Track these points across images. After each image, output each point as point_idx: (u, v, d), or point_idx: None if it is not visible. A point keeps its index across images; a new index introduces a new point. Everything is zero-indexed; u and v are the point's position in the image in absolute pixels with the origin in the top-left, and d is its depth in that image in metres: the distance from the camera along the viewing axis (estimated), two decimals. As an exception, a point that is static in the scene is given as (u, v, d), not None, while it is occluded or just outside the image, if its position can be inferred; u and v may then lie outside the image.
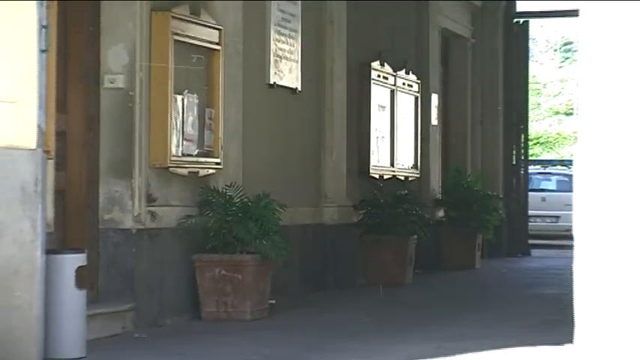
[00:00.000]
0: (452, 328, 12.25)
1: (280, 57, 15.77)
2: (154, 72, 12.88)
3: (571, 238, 7.12)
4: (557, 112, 41.67)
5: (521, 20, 26.28)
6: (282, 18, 15.80)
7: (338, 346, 10.82)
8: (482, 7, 24.62)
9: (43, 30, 8.87)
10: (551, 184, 27.45)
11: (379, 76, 20.28)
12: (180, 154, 13.30)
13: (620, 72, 7.14)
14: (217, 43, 14.00)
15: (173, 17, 13.09)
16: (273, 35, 15.58)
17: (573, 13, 8.08)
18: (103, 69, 12.46)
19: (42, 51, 8.89)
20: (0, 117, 8.42)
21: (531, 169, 28.70)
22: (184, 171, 13.43)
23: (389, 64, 20.62)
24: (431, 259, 19.87)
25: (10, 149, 8.40)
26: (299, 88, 16.39)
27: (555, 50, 43.18)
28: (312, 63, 16.66)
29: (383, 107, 20.66)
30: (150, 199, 12.77)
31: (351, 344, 10.82)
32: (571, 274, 7.07)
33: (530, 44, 28.57)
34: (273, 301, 13.60)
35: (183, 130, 13.39)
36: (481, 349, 10.89)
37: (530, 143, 28.91)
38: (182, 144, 13.35)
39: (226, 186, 13.80)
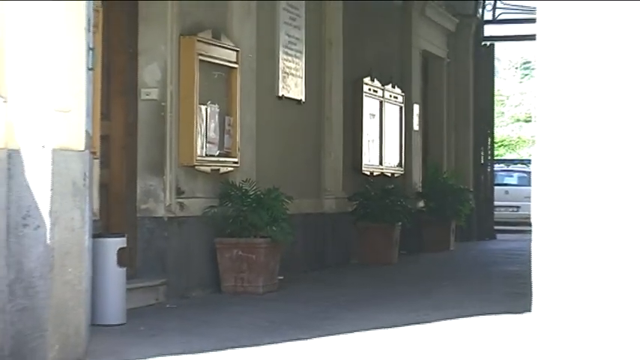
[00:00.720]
0: (430, 300, 12.28)
1: (287, 74, 15.81)
2: (182, 86, 13.00)
3: (529, 224, 7.34)
4: (518, 120, 41.79)
5: (488, 43, 26.22)
6: (289, 41, 15.81)
7: (333, 315, 10.87)
8: (456, 32, 24.58)
9: (90, 52, 8.90)
10: (512, 180, 27.50)
11: (369, 89, 20.28)
12: (204, 155, 13.44)
13: (569, 87, 7.21)
14: (235, 62, 14.05)
15: (198, 40, 13.20)
16: (281, 55, 15.62)
17: (531, 37, 8.10)
18: (140, 84, 12.57)
19: (89, 69, 8.92)
20: (55, 124, 8.27)
21: (496, 167, 28.66)
22: (207, 169, 13.55)
23: (378, 79, 20.64)
24: (413, 242, 19.84)
25: (63, 151, 8.26)
26: (303, 100, 16.43)
27: (516, 68, 43.24)
28: (313, 78, 16.65)
29: (373, 115, 20.70)
30: (179, 192, 12.92)
31: (345, 314, 10.84)
32: (529, 254, 7.22)
33: (496, 63, 28.42)
34: (282, 277, 13.70)
35: (206, 134, 13.50)
36: (454, 317, 10.97)
37: (495, 145, 28.83)
38: (206, 146, 13.48)
39: (242, 181, 13.92)
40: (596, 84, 7.14)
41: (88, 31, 8.72)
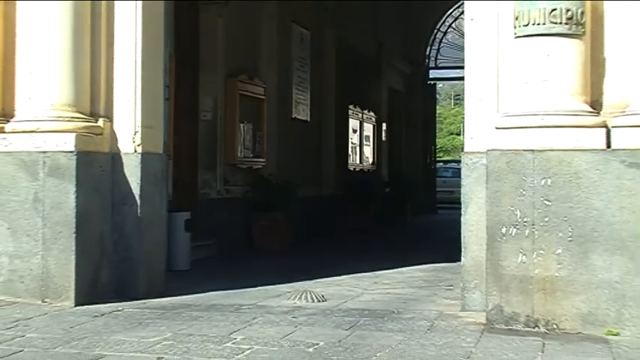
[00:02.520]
0: (391, 256, 12.19)
1: (298, 102, 15.86)
2: (228, 111, 13.06)
3: (459, 203, 7.44)
4: (452, 133, 42.43)
5: (432, 82, 26.28)
6: (299, 81, 15.83)
7: (324, 266, 10.79)
8: (410, 74, 24.56)
9: (166, 87, 8.96)
10: (448, 174, 27.71)
11: (352, 112, 20.31)
12: (242, 156, 13.52)
13: (483, 112, 7.24)
14: (263, 95, 14.11)
15: (239, 81, 13.29)
16: (294, 90, 15.69)
17: (460, 78, 8.16)
18: (200, 109, 12.58)
19: (165, 99, 8.99)
20: (144, 136, 8.25)
21: (437, 165, 28.84)
22: (244, 166, 13.62)
23: (358, 106, 20.61)
24: (382, 217, 19.84)
25: (148, 154, 8.26)
26: (308, 120, 16.46)
27: (450, 98, 43.74)
28: (315, 105, 16.67)
29: (355, 130, 20.81)
30: (225, 181, 13.05)
31: (333, 267, 10.69)
32: (459, 223, 7.31)
33: (437, 95, 28.62)
34: (293, 240, 13.67)
35: (243, 143, 13.62)
36: (409, 265, 10.95)
37: (436, 151, 29.04)
38: (243, 151, 13.58)
39: (268, 174, 13.92)
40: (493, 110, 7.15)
41: (165, 72, 8.79)
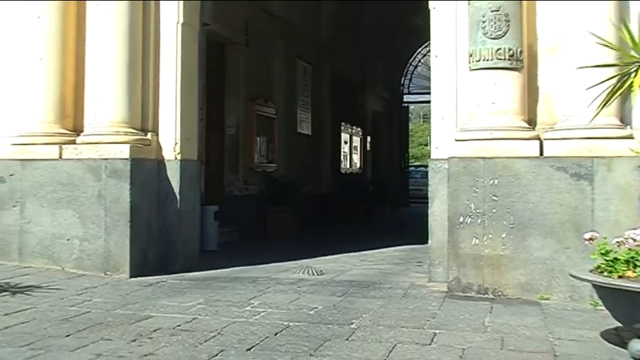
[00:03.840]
0: (374, 240, 12.01)
1: (302, 120, 15.70)
2: (247, 127, 12.95)
3: (427, 198, 7.38)
4: (421, 144, 41.82)
5: (405, 105, 26.24)
6: (302, 103, 15.74)
7: (322, 247, 10.65)
8: (388, 98, 24.45)
9: (200, 109, 8.94)
10: (418, 175, 27.17)
11: (344, 128, 20.08)
12: (258, 162, 13.38)
13: (444, 130, 7.24)
14: (274, 114, 13.96)
15: (256, 104, 13.20)
16: (298, 110, 15.54)
17: (427, 101, 8.11)
18: (226, 125, 12.49)
19: (200, 119, 8.97)
20: (182, 146, 8.21)
21: (410, 169, 28.67)
22: (260, 170, 13.44)
23: (349, 123, 20.43)
24: (367, 210, 19.75)
25: (186, 160, 8.24)
26: (309, 134, 16.33)
27: (420, 117, 43.19)
28: (315, 122, 16.55)
29: (346, 142, 20.58)
30: (245, 182, 12.89)
31: (329, 248, 10.56)
32: (427, 214, 7.30)
33: (409, 114, 28.45)
34: (297, 227, 13.54)
35: (259, 151, 13.43)
36: (388, 246, 10.94)
37: (409, 158, 28.96)
38: (259, 158, 13.42)
39: (279, 176, 13.78)
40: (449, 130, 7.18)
41: (198, 97, 8.74)
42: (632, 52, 4.90)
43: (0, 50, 8.76)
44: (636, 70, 4.84)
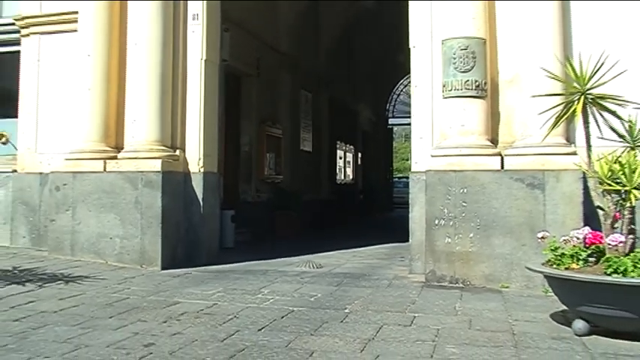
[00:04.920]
0: (364, 239, 11.85)
1: (304, 139, 15.53)
2: (259, 145, 12.86)
3: (408, 204, 7.30)
4: (403, 159, 40.95)
5: (390, 126, 26.13)
6: (304, 126, 15.63)
7: (321, 245, 10.48)
8: (376, 121, 24.31)
9: (219, 131, 8.95)
10: (401, 185, 26.75)
11: (339, 146, 20.01)
12: (268, 174, 13.21)
13: (419, 149, 7.24)
14: (281, 135, 13.83)
15: (266, 126, 13.12)
16: (301, 131, 15.41)
17: (408, 124, 8.11)
18: (241, 143, 12.40)
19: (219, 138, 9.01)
20: (203, 161, 8.19)
21: (394, 180, 28.50)
22: (269, 180, 13.27)
23: (343, 141, 20.38)
24: (358, 214, 19.72)
25: (208, 173, 8.22)
26: (310, 150, 16.21)
27: (402, 136, 42.50)
28: (315, 141, 16.43)
29: (341, 157, 20.49)
30: (257, 190, 12.75)
31: (326, 245, 10.46)
32: (408, 217, 7.25)
33: (393, 135, 28.35)
34: (300, 229, 13.43)
35: (269, 165, 13.29)
36: (375, 244, 10.87)
37: (393, 171, 28.93)
38: (268, 170, 13.27)
39: (285, 186, 13.71)
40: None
41: (218, 120, 8.73)
42: (575, 84, 4.95)
43: (57, 82, 8.85)
44: (578, 99, 4.89)
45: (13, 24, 9.16)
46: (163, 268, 7.55)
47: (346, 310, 5.31)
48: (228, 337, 4.43)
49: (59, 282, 6.40)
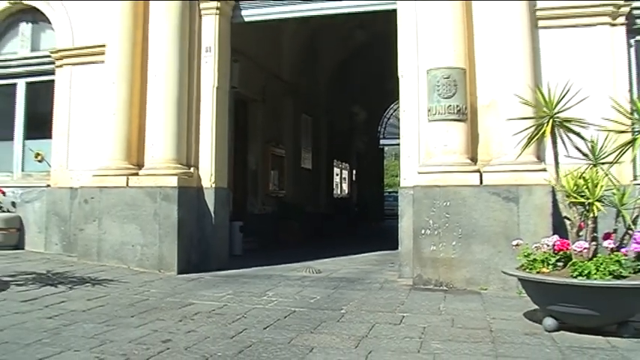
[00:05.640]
0: (358, 247, 11.76)
1: (304, 158, 15.43)
2: (264, 164, 12.85)
3: (397, 216, 7.27)
4: (393, 175, 40.78)
5: (381, 147, 25.96)
6: (305, 145, 15.59)
7: (320, 252, 10.46)
8: (369, 142, 24.23)
9: (229, 150, 8.91)
10: (391, 199, 26.27)
11: (336, 164, 19.98)
12: (272, 189, 13.21)
13: (406, 168, 7.26)
14: (284, 154, 13.85)
15: (271, 146, 13.13)
16: (302, 151, 15.26)
17: (398, 145, 7.98)
18: (248, 162, 12.35)
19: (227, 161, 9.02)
20: (215, 177, 8.17)
21: (385, 194, 28.41)
22: (274, 195, 13.26)
23: (339, 160, 20.38)
24: (353, 224, 19.66)
25: (219, 188, 8.20)
26: (311, 168, 16.18)
27: (392, 155, 42.14)
28: (314, 159, 16.41)
29: (337, 174, 20.52)
30: (263, 204, 12.72)
31: (324, 253, 10.45)
32: (397, 228, 7.20)
33: (384, 154, 28.19)
34: (302, 238, 13.38)
35: (273, 181, 13.28)
36: (368, 251, 10.79)
37: (384, 186, 28.85)
38: (273, 186, 13.26)
39: (287, 200, 13.69)
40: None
41: (228, 141, 8.66)
42: (544, 109, 5.00)
43: (86, 107, 8.89)
44: (547, 122, 4.94)
45: (49, 56, 9.23)
46: (179, 272, 7.52)
47: (342, 311, 5.29)
48: (237, 335, 4.43)
49: (87, 284, 6.42)
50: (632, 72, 6.87)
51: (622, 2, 6.81)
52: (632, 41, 6.95)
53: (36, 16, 9.52)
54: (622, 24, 6.81)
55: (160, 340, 4.30)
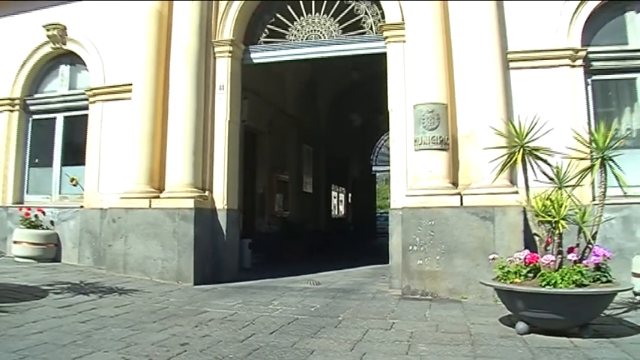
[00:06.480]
0: (353, 261, 11.65)
1: (306, 183, 15.36)
2: (270, 188, 12.76)
3: (388, 234, 7.22)
4: (384, 198, 39.80)
5: (374, 173, 25.73)
6: (306, 172, 15.49)
7: (320, 266, 10.34)
8: (363, 169, 23.96)
9: (239, 176, 8.95)
10: (382, 219, 25.93)
11: (334, 188, 19.79)
12: (277, 211, 13.06)
13: (397, 189, 7.24)
14: (288, 180, 13.76)
15: (276, 173, 13.07)
16: (304, 177, 15.18)
17: (388, 171, 7.93)
18: (256, 186, 12.22)
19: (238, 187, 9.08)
20: (228, 199, 8.10)
21: (377, 215, 28.17)
22: (279, 215, 13.11)
23: (337, 184, 20.29)
24: (348, 242, 19.49)
25: (230, 209, 8.16)
26: (311, 192, 16.03)
27: (384, 180, 41.41)
28: (315, 184, 16.29)
29: (335, 197, 20.44)
30: (269, 223, 12.59)
31: (324, 267, 10.33)
32: (388, 244, 7.18)
33: (376, 179, 27.90)
34: (304, 254, 13.22)
35: (278, 203, 13.18)
36: (362, 265, 10.69)
37: (376, 207, 28.67)
38: (278, 207, 13.14)
39: (291, 219, 13.58)
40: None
41: (239, 168, 8.67)
42: (516, 139, 5.08)
43: (114, 138, 8.90)
44: (518, 150, 5.02)
45: (83, 94, 9.33)
46: (195, 284, 7.48)
47: (339, 318, 5.28)
48: (246, 339, 4.42)
49: (115, 293, 6.42)
50: (590, 107, 6.96)
51: (579, 47, 6.95)
52: (589, 80, 7.07)
53: (73, 59, 9.66)
54: (580, 65, 6.93)
55: (178, 343, 4.30)
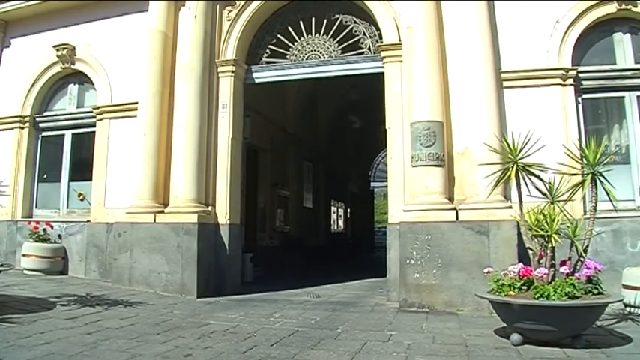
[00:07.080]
0: (352, 275, 11.54)
1: (306, 198, 15.37)
2: (271, 202, 12.77)
3: (386, 248, 7.20)
4: (382, 213, 39.87)
5: (372, 188, 25.73)
6: (306, 188, 15.55)
7: (320, 279, 10.26)
8: (361, 185, 23.97)
9: (242, 192, 8.87)
10: (380, 233, 25.94)
11: (333, 203, 19.78)
12: (278, 225, 13.11)
13: (394, 204, 7.24)
14: (289, 195, 13.77)
15: (277, 188, 13.08)
16: (304, 192, 15.24)
17: (386, 186, 7.86)
18: (258, 202, 12.27)
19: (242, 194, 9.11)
20: (232, 216, 8.13)
21: (375, 229, 28.14)
22: (280, 230, 13.13)
23: (336, 200, 20.30)
24: (348, 255, 19.47)
25: (232, 224, 8.11)
26: (311, 207, 16.07)
27: (382, 196, 41.44)
28: (315, 199, 16.37)
29: (334, 212, 20.38)
30: (270, 238, 12.59)
31: (324, 280, 10.29)
32: (386, 258, 7.14)
33: (374, 195, 27.90)
34: (304, 267, 13.30)
35: (279, 218, 13.23)
36: (361, 279, 10.62)
37: (374, 222, 28.65)
38: (279, 222, 13.18)
39: (291, 234, 13.60)
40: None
41: (241, 184, 8.65)
42: (509, 156, 5.13)
43: (121, 154, 8.95)
44: (512, 167, 5.06)
45: (91, 112, 9.39)
46: (198, 296, 7.46)
47: (339, 330, 5.25)
48: (248, 350, 4.40)
49: (120, 306, 6.40)
50: (581, 124, 7.02)
51: (570, 67, 7.03)
52: (579, 98, 7.13)
53: (82, 78, 9.74)
54: (571, 84, 7.00)
55: (181, 354, 4.28)
